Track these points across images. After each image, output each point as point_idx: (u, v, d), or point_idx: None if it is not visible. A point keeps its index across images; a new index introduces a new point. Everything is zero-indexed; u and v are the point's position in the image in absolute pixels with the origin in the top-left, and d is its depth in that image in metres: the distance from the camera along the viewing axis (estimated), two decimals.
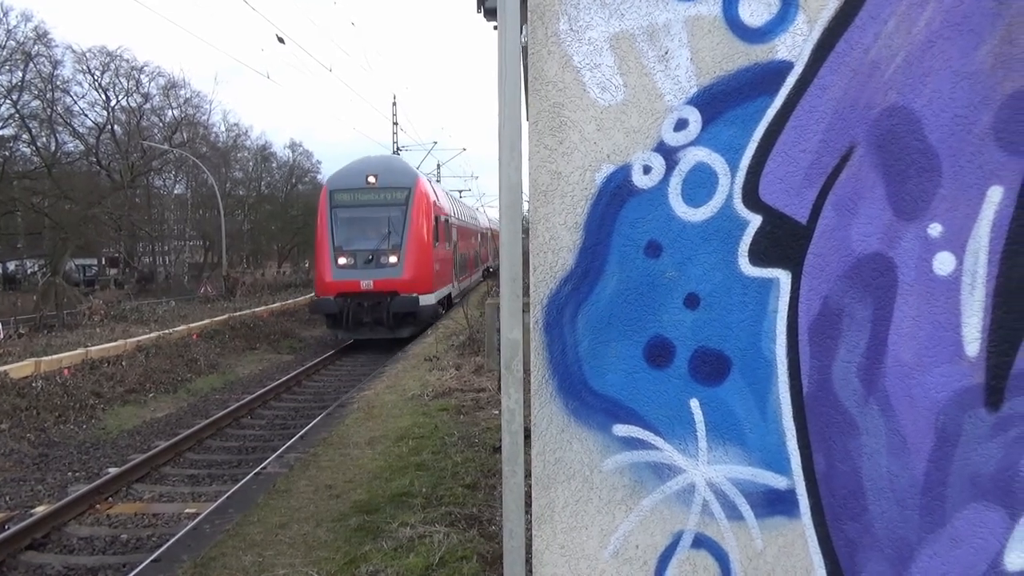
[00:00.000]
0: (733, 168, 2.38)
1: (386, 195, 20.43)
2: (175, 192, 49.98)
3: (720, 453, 2.44)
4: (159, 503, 8.55)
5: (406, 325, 19.93)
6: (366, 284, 19.48)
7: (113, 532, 7.62)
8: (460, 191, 53.81)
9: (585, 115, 2.42)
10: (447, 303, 24.64)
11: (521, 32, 2.54)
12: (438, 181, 42.34)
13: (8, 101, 36.42)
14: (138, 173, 42.21)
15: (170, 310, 25.60)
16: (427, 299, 20.26)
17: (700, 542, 2.47)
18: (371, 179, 20.58)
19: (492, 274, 38.29)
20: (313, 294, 23.70)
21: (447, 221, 24.76)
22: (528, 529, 2.56)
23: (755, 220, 2.39)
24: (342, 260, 19.94)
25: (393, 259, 19.76)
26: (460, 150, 65.56)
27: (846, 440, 2.40)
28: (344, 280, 19.61)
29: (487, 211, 45.26)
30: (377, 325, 19.57)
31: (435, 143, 44.69)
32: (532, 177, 2.46)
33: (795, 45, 2.34)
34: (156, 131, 45.80)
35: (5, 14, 38.51)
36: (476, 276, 36.47)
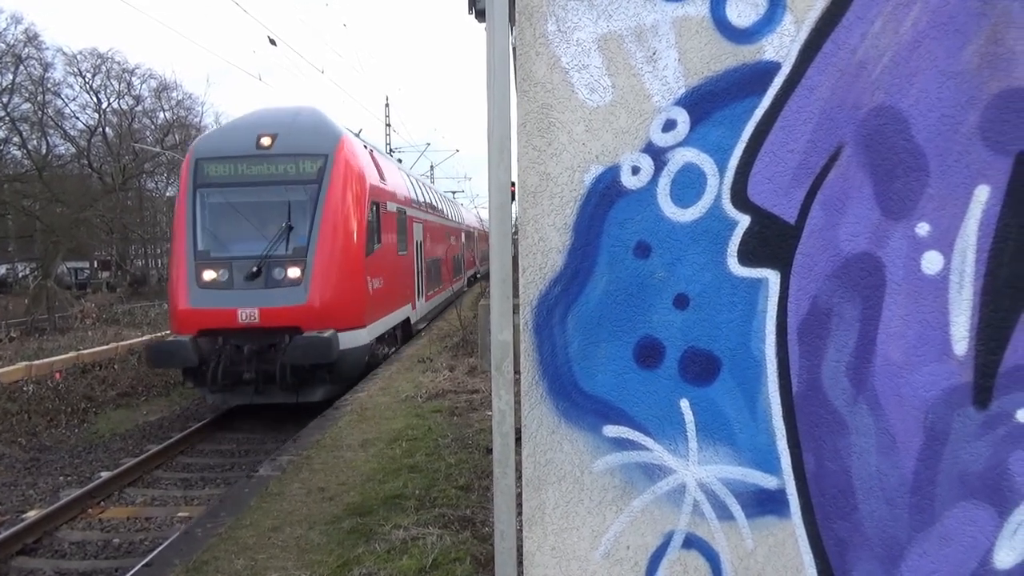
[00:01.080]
0: (721, 168, 2.39)
1: (288, 167, 12.25)
2: (167, 195, 49.85)
3: (710, 453, 2.45)
4: (151, 507, 8.51)
5: (316, 383, 11.84)
6: (247, 315, 11.36)
7: (105, 536, 7.59)
8: (454, 192, 53.73)
9: (574, 116, 2.42)
10: (401, 334, 16.72)
11: (510, 33, 2.54)
12: (431, 182, 41.70)
13: None
14: (130, 176, 42.07)
15: (163, 313, 25.52)
16: (353, 338, 12.12)
17: (691, 542, 2.47)
18: (264, 141, 12.39)
19: (479, 279, 36.96)
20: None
21: (402, 212, 16.58)
22: (520, 531, 2.56)
23: (744, 220, 2.39)
24: (208, 275, 11.71)
25: (294, 272, 11.66)
26: (453, 151, 65.47)
27: (836, 439, 2.41)
28: (210, 309, 11.52)
29: (480, 211, 44.98)
30: (267, 383, 11.47)
31: (428, 144, 44.67)
32: (521, 178, 2.46)
33: (782, 46, 2.35)
34: (148, 133, 45.69)
35: None
36: (457, 286, 28.48)
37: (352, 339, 12.08)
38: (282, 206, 12.18)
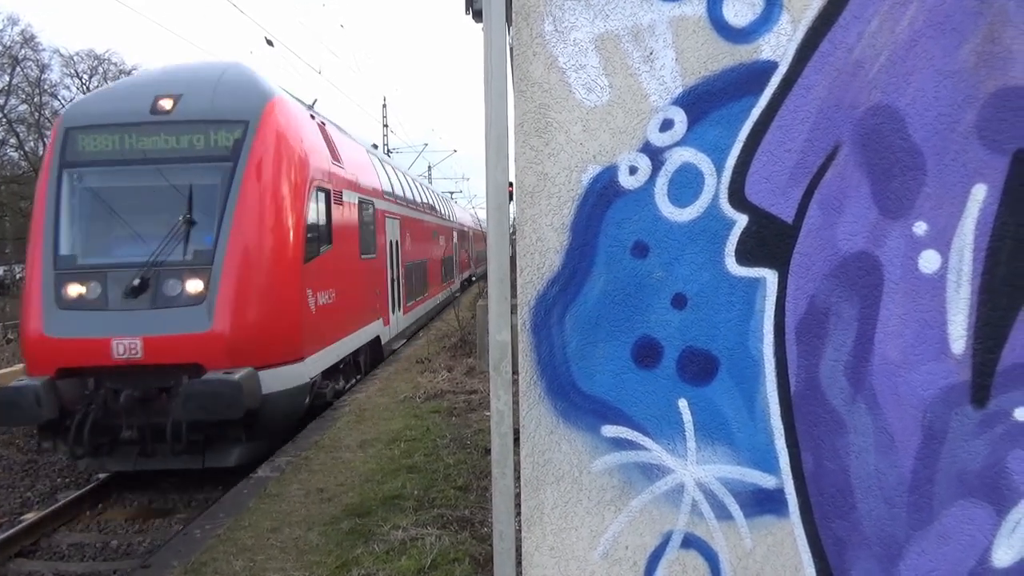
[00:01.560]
0: (719, 168, 2.39)
1: (193, 139, 8.84)
2: None
3: (709, 453, 2.45)
4: (150, 509, 8.50)
5: (229, 442, 8.40)
6: (127, 348, 8.01)
7: (104, 538, 7.57)
8: (452, 192, 53.70)
9: (571, 116, 2.42)
10: (370, 358, 13.41)
11: (507, 33, 2.54)
12: (429, 182, 41.47)
13: None
14: None
15: None
16: (284, 376, 8.77)
17: (689, 542, 2.47)
18: (164, 103, 8.98)
19: (474, 282, 36.18)
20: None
21: (368, 205, 12.96)
22: (519, 531, 2.56)
23: (741, 220, 2.39)
24: (73, 290, 8.34)
25: (194, 286, 8.32)
26: (451, 152, 65.41)
27: (834, 438, 2.41)
28: (75, 339, 8.10)
29: (478, 211, 44.83)
30: (158, 442, 8.16)
31: (426, 145, 44.70)
32: (518, 178, 2.46)
33: (779, 45, 2.35)
34: None
35: None
36: (447, 292, 25.05)
37: (282, 378, 8.63)
38: (181, 193, 8.62)
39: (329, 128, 11.69)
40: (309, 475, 7.29)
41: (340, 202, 11.03)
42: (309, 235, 9.46)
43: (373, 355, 13.64)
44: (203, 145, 8.80)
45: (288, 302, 8.88)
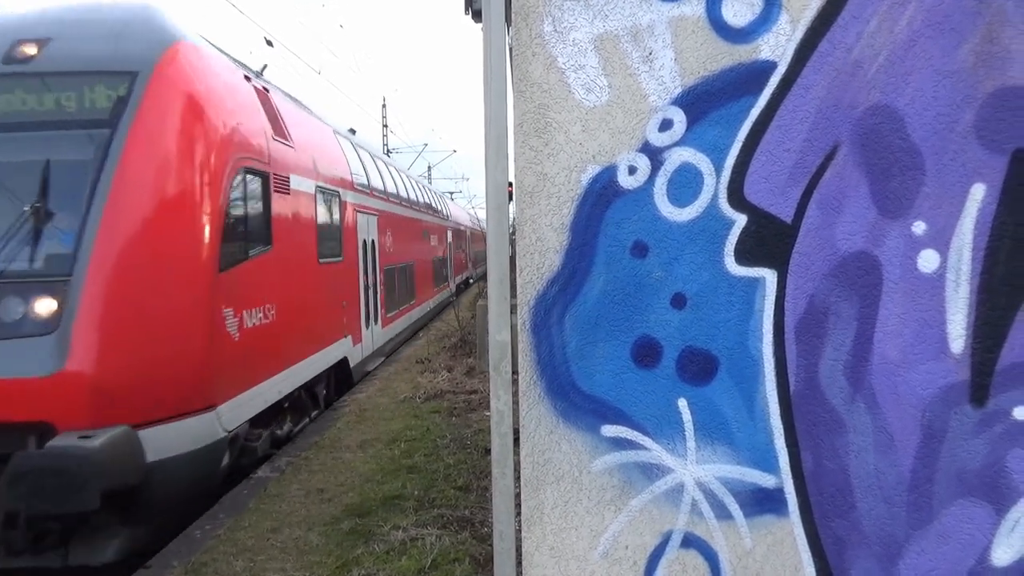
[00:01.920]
0: (718, 168, 2.39)
1: (61, 97, 5.93)
2: None
3: (708, 452, 2.45)
4: None
5: (102, 532, 5.54)
6: None
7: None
8: (451, 193, 53.66)
9: (570, 116, 2.42)
10: (329, 390, 10.57)
11: (507, 34, 2.54)
12: (429, 182, 41.28)
13: None
14: None
15: None
16: (185, 433, 5.90)
17: (689, 542, 2.47)
18: (25, 49, 6.07)
19: (472, 283, 35.65)
20: None
21: (330, 195, 10.26)
22: (519, 531, 2.56)
23: (740, 219, 2.39)
24: None
25: (44, 307, 5.29)
26: (450, 152, 65.35)
27: (833, 438, 2.41)
28: None
29: (477, 211, 44.77)
30: None
31: (426, 145, 44.67)
32: (518, 178, 2.46)
33: (778, 45, 2.35)
34: None
35: None
36: (439, 298, 21.90)
37: (180, 436, 5.96)
38: (32, 172, 5.87)
39: (276, 97, 8.84)
40: (309, 475, 7.29)
41: (286, 190, 8.27)
42: (230, 232, 6.73)
43: (340, 381, 10.96)
44: (73, 105, 6.10)
45: (190, 326, 6.09)
